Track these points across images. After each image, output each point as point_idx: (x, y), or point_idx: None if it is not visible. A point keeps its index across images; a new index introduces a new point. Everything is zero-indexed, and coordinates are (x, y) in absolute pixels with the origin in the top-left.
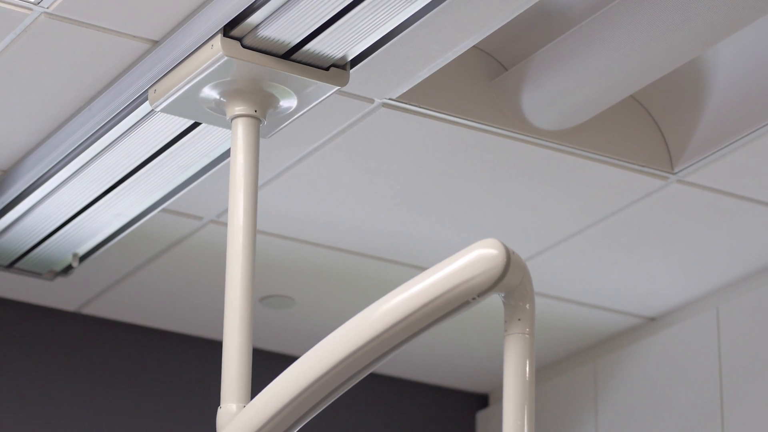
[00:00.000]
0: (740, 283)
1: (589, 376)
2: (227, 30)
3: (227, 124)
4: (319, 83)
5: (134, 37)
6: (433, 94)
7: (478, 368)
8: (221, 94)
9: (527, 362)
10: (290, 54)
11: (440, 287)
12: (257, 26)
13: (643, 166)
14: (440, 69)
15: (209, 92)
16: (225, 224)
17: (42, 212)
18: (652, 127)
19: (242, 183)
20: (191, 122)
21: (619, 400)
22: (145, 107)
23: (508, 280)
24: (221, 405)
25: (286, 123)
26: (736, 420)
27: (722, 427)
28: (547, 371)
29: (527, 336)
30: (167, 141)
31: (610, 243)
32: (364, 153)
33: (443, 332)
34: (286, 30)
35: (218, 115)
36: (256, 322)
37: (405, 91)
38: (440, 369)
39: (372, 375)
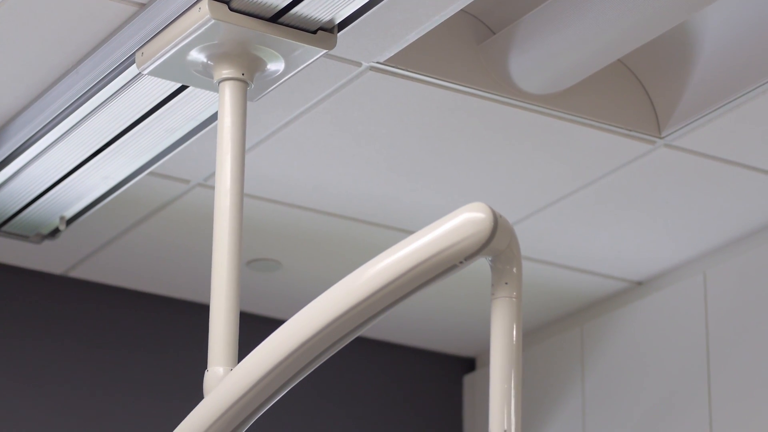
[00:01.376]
0: (728, 248)
1: (576, 340)
2: None
3: (214, 87)
4: (307, 46)
5: None
6: (420, 58)
7: (465, 332)
8: (208, 57)
9: (514, 326)
10: (278, 17)
11: (427, 251)
12: None
13: (630, 130)
14: (428, 33)
15: (196, 55)
16: (212, 187)
17: (29, 175)
18: (640, 92)
19: (229, 146)
20: (178, 85)
21: (606, 364)
22: (132, 70)
23: (495, 244)
24: (208, 368)
25: (274, 86)
26: (722, 384)
27: (708, 391)
28: (534, 335)
29: (514, 300)
30: (154, 104)
31: (597, 207)
32: (351, 117)
33: (430, 296)
34: None
35: (205, 78)
36: (243, 286)
37: (393, 54)
38: (427, 333)
39: (359, 339)
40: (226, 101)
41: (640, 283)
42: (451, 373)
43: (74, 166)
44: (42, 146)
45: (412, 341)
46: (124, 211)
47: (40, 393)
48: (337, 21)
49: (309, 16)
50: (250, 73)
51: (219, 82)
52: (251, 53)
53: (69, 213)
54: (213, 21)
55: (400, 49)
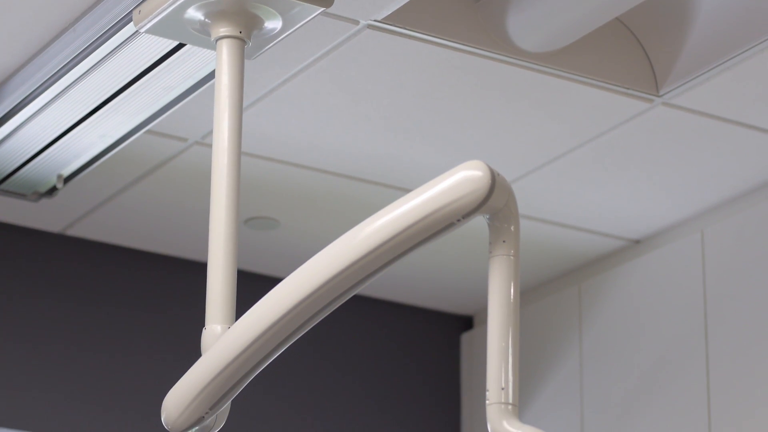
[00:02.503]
0: (725, 206)
1: (574, 298)
2: None
3: (212, 46)
4: (304, 4)
5: None
6: (418, 16)
7: (463, 290)
8: (206, 15)
9: (512, 284)
10: None
11: (425, 209)
12: None
13: (628, 88)
14: None
15: (194, 13)
16: (210, 146)
17: (26, 133)
18: (638, 50)
19: (227, 104)
20: (176, 43)
21: (604, 323)
22: (129, 28)
23: (493, 202)
24: (206, 326)
25: (271, 44)
26: (719, 342)
27: (706, 349)
28: (531, 293)
29: (512, 258)
30: (152, 62)
31: (595, 165)
32: (349, 75)
33: (428, 254)
34: None
35: (203, 37)
36: (240, 244)
37: (390, 12)
38: (425, 291)
39: (356, 297)
40: (223, 59)
41: (637, 242)
42: (448, 332)
43: (72, 125)
44: (39, 104)
45: (410, 299)
46: (122, 169)
47: (37, 351)
48: None
49: None
50: (247, 31)
51: (216, 40)
52: (248, 11)
53: (66, 171)
54: None
55: (398, 7)
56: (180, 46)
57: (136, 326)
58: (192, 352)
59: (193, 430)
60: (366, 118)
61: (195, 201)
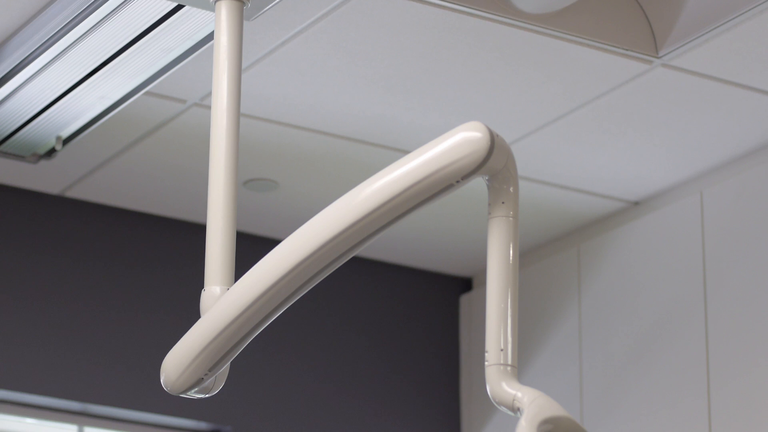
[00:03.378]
0: (724, 168)
1: (573, 259)
2: None
3: (211, 7)
4: None
5: None
6: None
7: (462, 252)
8: None
9: (511, 245)
10: None
11: (424, 170)
12: None
13: (627, 49)
14: None
15: None
16: (209, 107)
17: (25, 95)
18: (637, 11)
19: (226, 66)
20: (175, 5)
21: (603, 284)
22: None
23: (492, 163)
24: (205, 288)
25: (270, 5)
26: (718, 303)
27: (705, 309)
28: (530, 255)
29: (511, 219)
30: (151, 23)
31: (594, 127)
32: (347, 36)
33: (427, 216)
34: None
35: None
36: (239, 206)
37: None
38: (424, 252)
39: (356, 258)
40: (222, 21)
41: (636, 203)
42: (447, 293)
43: (71, 86)
44: (38, 66)
45: (410, 261)
46: (121, 131)
47: (36, 312)
48: None
49: None
50: None
51: (215, 1)
52: None
53: (65, 133)
54: None
55: None
56: (179, 7)
57: (135, 288)
58: (191, 314)
59: (193, 391)
60: (365, 80)
61: (194, 162)
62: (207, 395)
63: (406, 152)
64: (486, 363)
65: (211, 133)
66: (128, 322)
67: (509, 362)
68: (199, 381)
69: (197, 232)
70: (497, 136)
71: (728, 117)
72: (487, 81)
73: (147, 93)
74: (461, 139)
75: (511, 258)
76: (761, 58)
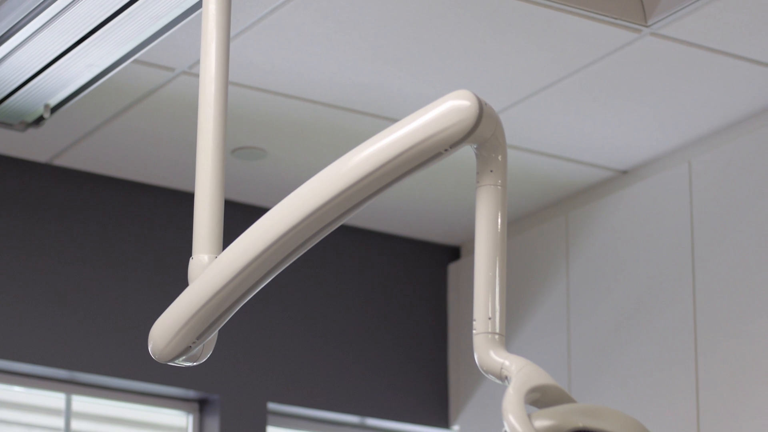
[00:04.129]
0: (713, 137)
1: (561, 228)
2: None
3: None
4: None
5: None
6: None
7: (451, 220)
8: None
9: (499, 214)
10: None
11: (413, 138)
12: None
13: (616, 18)
14: None
15: None
16: (197, 75)
17: (13, 63)
18: None
19: (214, 34)
20: None
21: (591, 253)
22: None
23: (481, 132)
24: (193, 256)
25: None
26: (706, 272)
27: (693, 278)
28: (519, 224)
29: (499, 188)
30: None
31: (583, 95)
32: (336, 4)
33: (416, 184)
34: None
35: None
36: (228, 174)
37: None
38: (412, 221)
39: (344, 227)
40: None
41: (625, 172)
42: (436, 262)
43: (59, 54)
44: (26, 34)
45: (398, 230)
46: (109, 99)
47: (24, 280)
48: None
49: None
50: None
51: None
52: None
53: (53, 101)
54: None
55: None
56: None
57: (123, 256)
58: (179, 282)
59: (180, 359)
60: (354, 49)
61: (182, 131)
62: (195, 363)
63: (394, 120)
64: (474, 331)
65: (200, 102)
66: (116, 291)
67: (497, 330)
68: (187, 349)
69: (185, 200)
70: (486, 104)
71: (717, 86)
72: (476, 49)
73: (135, 61)
74: (450, 108)
75: (499, 226)
76: (749, 27)
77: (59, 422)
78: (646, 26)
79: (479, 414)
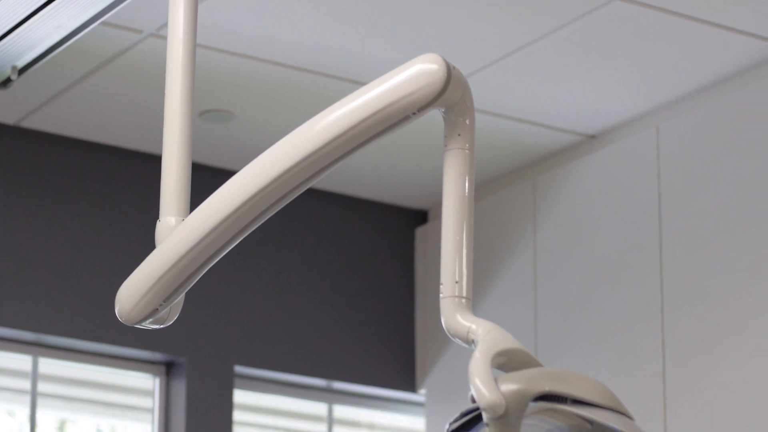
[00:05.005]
0: (681, 102)
1: (529, 193)
2: None
3: None
4: None
5: None
6: None
7: (418, 184)
8: None
9: (466, 178)
10: None
11: (380, 102)
12: None
13: None
14: None
15: None
16: (165, 38)
17: None
18: None
19: None
20: None
21: (558, 217)
22: None
23: (449, 95)
24: (160, 218)
25: None
26: (673, 236)
27: (660, 243)
28: (486, 188)
29: (467, 151)
30: None
31: (551, 60)
32: None
33: (384, 148)
34: None
35: None
36: (195, 137)
37: None
38: (380, 185)
39: (311, 190)
40: None
41: (593, 137)
42: (403, 225)
43: (26, 16)
44: None
45: (366, 193)
46: (77, 61)
47: None
48: None
49: None
50: None
51: None
52: None
53: (21, 63)
54: None
55: None
56: None
57: (90, 218)
58: (146, 244)
59: (147, 321)
60: (322, 12)
61: (150, 93)
62: (162, 326)
63: (362, 84)
64: (441, 295)
65: (167, 64)
66: (83, 253)
67: (464, 294)
68: (154, 312)
69: (152, 162)
70: (454, 68)
71: (685, 51)
72: (444, 13)
73: (103, 23)
74: (418, 71)
75: (466, 190)
76: None
77: (26, 384)
78: None
79: (446, 377)
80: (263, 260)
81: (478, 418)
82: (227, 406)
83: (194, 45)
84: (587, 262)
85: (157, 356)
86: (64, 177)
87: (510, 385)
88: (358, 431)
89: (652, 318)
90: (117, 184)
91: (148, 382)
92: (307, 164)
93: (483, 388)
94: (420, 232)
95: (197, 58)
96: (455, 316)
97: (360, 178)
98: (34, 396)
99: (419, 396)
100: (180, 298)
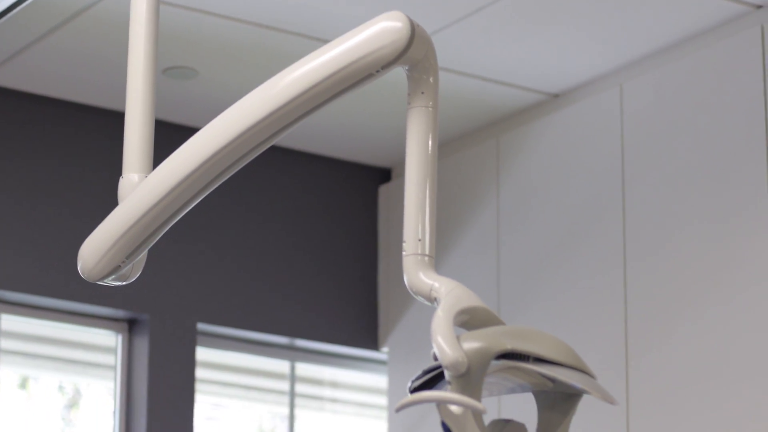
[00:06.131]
0: (645, 61)
1: (492, 151)
2: None
3: None
4: None
5: None
6: None
7: (382, 142)
8: None
9: (430, 136)
10: None
11: (344, 59)
12: None
13: None
14: None
15: None
16: None
17: None
18: None
19: None
20: None
21: (522, 176)
22: None
23: (413, 53)
24: (123, 175)
25: None
26: (636, 196)
27: (623, 202)
28: (450, 146)
29: (430, 109)
30: None
31: (515, 18)
32: None
33: (347, 106)
34: None
35: None
36: (159, 94)
37: None
38: (343, 143)
39: (274, 148)
40: None
41: (556, 96)
42: (366, 183)
43: None
44: None
45: (329, 151)
46: (40, 18)
47: None
48: None
49: None
50: None
51: None
52: None
53: None
54: None
55: None
56: None
57: (52, 175)
58: (109, 201)
59: (110, 278)
60: None
61: (113, 50)
62: (124, 283)
63: (326, 41)
64: (404, 253)
65: (131, 20)
66: (46, 210)
67: (427, 252)
68: (117, 269)
69: (116, 119)
70: (417, 25)
71: (649, 10)
72: None
73: None
74: (382, 29)
75: (430, 148)
76: None
77: None
78: None
79: (408, 335)
80: (226, 218)
81: (440, 376)
82: (190, 363)
83: (158, 1)
84: (550, 221)
85: (119, 313)
86: (26, 133)
87: (472, 343)
88: (320, 389)
89: (614, 276)
90: (80, 140)
91: (110, 339)
92: (270, 121)
93: (445, 346)
94: (383, 190)
95: (161, 14)
96: (418, 274)
97: (323, 136)
98: None
99: (382, 354)
100: (143, 255)
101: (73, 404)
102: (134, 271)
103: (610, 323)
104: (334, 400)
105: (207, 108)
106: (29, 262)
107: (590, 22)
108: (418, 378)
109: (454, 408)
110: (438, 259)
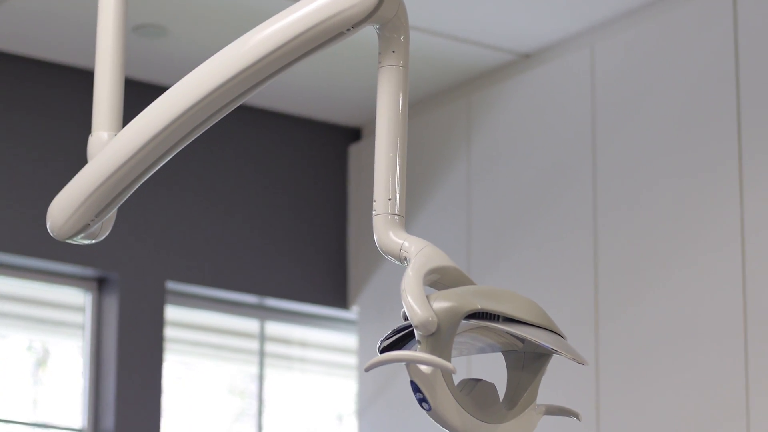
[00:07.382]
0: (616, 22)
1: (463, 111)
2: None
3: None
4: None
5: None
6: None
7: (352, 101)
8: None
9: (401, 95)
10: None
11: (314, 18)
12: None
13: None
14: None
15: None
16: None
17: None
18: None
19: None
20: None
21: (492, 136)
22: None
23: (383, 12)
24: (92, 133)
25: None
26: (607, 156)
27: (593, 163)
28: (421, 105)
29: (401, 68)
30: None
31: None
32: None
33: (317, 64)
34: None
35: None
36: (128, 52)
37: None
38: (313, 102)
39: (244, 107)
40: None
41: (527, 56)
42: (337, 143)
43: None
44: None
45: (299, 110)
46: None
47: None
48: None
49: None
50: None
51: None
52: None
53: None
54: None
55: None
56: None
57: (21, 133)
58: (78, 159)
59: (79, 237)
60: None
61: (82, 8)
62: (93, 241)
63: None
64: (374, 212)
65: None
66: (14, 167)
67: (397, 212)
68: (86, 227)
69: (85, 77)
70: None
71: None
72: None
73: None
74: None
75: (400, 107)
76: None
77: None
78: None
79: (378, 295)
80: (195, 177)
81: (410, 336)
82: (159, 322)
83: None
84: (520, 181)
85: (88, 272)
86: None
87: (442, 302)
88: (289, 348)
89: (584, 236)
90: (49, 98)
91: (79, 297)
92: (240, 80)
93: (415, 305)
94: (353, 149)
95: None
96: (388, 233)
97: (293, 95)
98: None
99: (351, 313)
100: (112, 214)
101: (41, 363)
102: (103, 229)
103: (580, 283)
104: (303, 360)
105: (177, 66)
106: None
107: None
108: (387, 337)
109: (423, 368)
110: (408, 219)
